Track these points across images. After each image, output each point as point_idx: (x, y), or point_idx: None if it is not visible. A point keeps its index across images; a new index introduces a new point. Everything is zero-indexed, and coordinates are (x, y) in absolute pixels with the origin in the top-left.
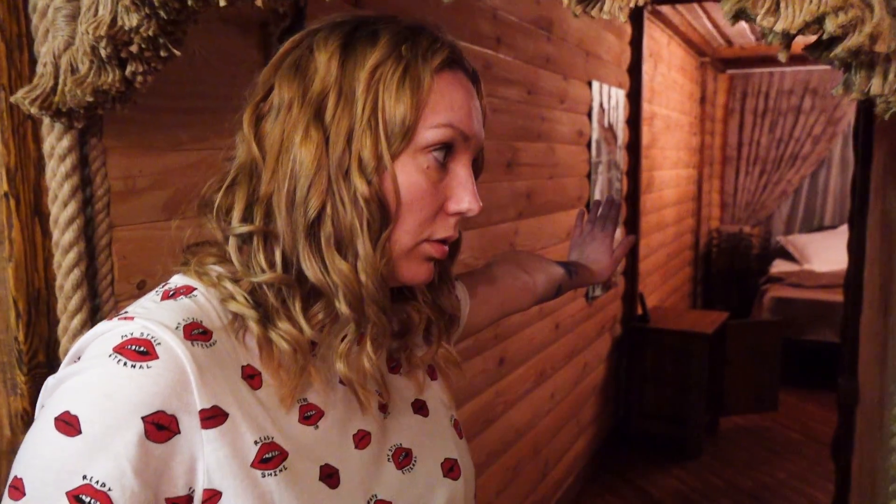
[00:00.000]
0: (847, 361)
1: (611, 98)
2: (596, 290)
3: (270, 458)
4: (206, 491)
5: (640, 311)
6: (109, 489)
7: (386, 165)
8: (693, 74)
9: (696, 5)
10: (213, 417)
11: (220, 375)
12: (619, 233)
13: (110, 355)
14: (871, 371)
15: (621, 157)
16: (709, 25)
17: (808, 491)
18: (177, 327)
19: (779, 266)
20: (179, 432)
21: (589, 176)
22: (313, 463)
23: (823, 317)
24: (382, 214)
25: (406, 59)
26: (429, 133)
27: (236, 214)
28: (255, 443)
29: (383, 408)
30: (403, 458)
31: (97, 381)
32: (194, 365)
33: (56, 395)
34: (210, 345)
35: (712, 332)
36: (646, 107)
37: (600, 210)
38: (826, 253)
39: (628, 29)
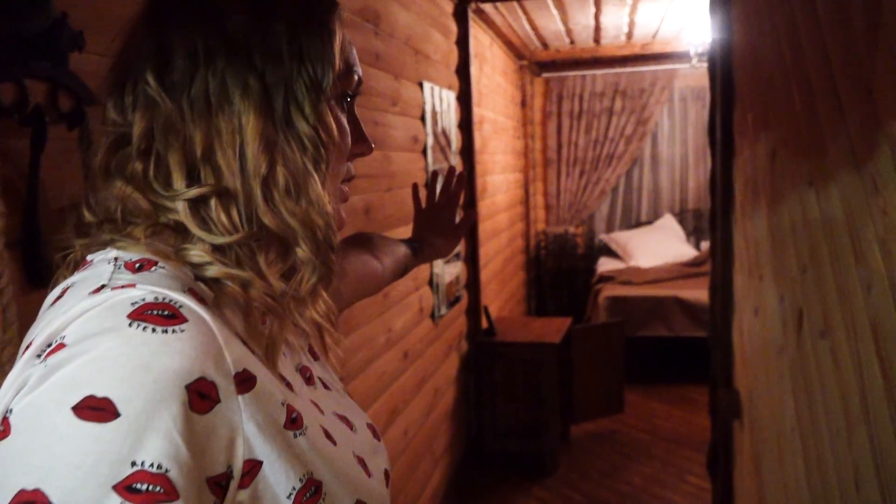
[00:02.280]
0: (721, 371)
1: (442, 101)
2: (441, 310)
3: (295, 418)
4: (246, 462)
5: (485, 324)
6: (167, 469)
7: (321, 109)
8: (513, 77)
9: (516, 5)
10: (245, 381)
11: (232, 339)
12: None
13: (130, 325)
14: (749, 377)
15: (457, 163)
16: (527, 27)
17: (666, 495)
18: (185, 291)
19: (605, 264)
20: (220, 400)
21: (427, 185)
22: (316, 422)
23: (654, 312)
24: (325, 156)
25: (312, 5)
26: (344, 78)
27: (177, 177)
28: (282, 404)
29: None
30: (346, 422)
31: (124, 354)
32: (217, 327)
33: (55, 385)
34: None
35: (560, 340)
36: (475, 110)
37: (442, 183)
38: (647, 248)
39: (454, 27)
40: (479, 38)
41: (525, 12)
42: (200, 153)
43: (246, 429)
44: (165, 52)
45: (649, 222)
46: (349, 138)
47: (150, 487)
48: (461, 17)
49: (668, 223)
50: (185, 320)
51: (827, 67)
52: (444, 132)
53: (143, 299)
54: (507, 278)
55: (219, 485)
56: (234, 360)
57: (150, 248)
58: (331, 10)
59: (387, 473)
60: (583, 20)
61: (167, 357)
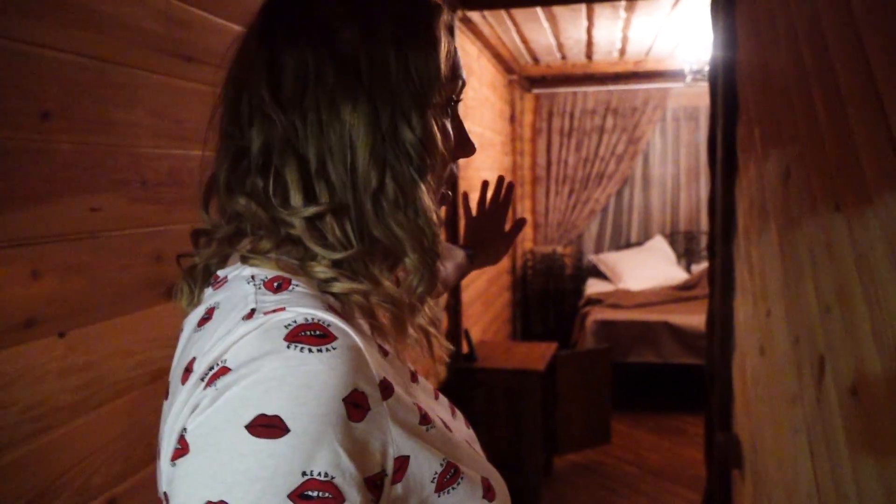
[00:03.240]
0: (719, 412)
1: None
2: None
3: (424, 415)
4: (396, 460)
5: (465, 349)
6: (332, 477)
7: (427, 120)
8: (502, 92)
9: (505, 17)
10: (387, 388)
11: (372, 350)
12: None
13: (288, 346)
14: (752, 423)
15: None
16: (517, 40)
17: None
18: (327, 309)
19: (593, 286)
20: (370, 408)
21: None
22: (436, 414)
23: (643, 337)
24: (431, 165)
25: (420, 15)
26: (449, 85)
27: (294, 194)
28: (414, 404)
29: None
30: (450, 409)
31: (287, 374)
32: (360, 340)
33: (226, 405)
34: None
35: (544, 367)
36: None
37: (492, 191)
38: (637, 270)
39: None
40: (467, 48)
41: (515, 24)
42: (315, 170)
43: (393, 430)
44: (277, 69)
45: (639, 243)
46: (452, 143)
47: (320, 494)
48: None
49: (659, 245)
50: (334, 338)
51: (863, 67)
52: None
53: (295, 321)
54: (491, 299)
55: (375, 483)
56: (376, 370)
57: (280, 263)
58: (436, 16)
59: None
60: (574, 34)
61: (325, 374)
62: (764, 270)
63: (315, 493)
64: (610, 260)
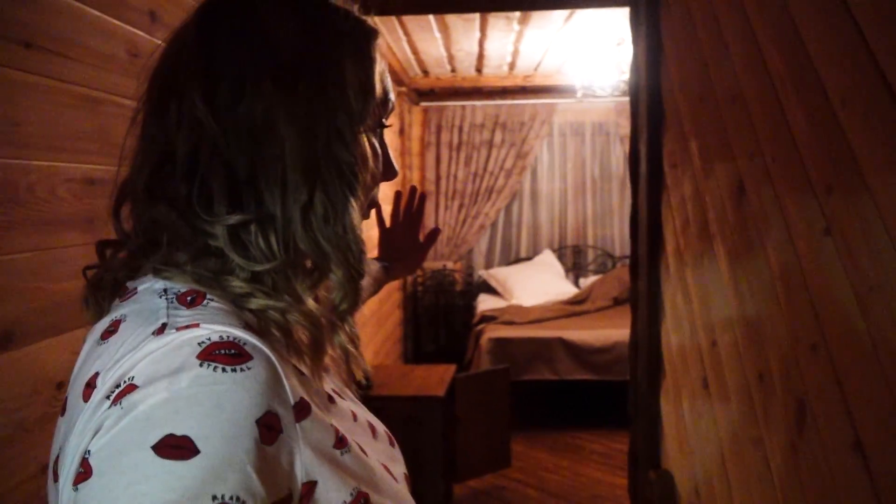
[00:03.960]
0: (645, 448)
1: None
2: None
3: (341, 437)
4: (304, 485)
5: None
6: (243, 501)
7: (360, 138)
8: None
9: (397, 26)
10: (302, 409)
11: (288, 369)
12: None
13: (200, 364)
14: (694, 463)
15: None
16: (408, 50)
17: None
18: (243, 327)
19: (485, 301)
20: (282, 430)
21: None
22: (352, 436)
23: (539, 354)
24: (361, 183)
25: (359, 36)
26: (381, 106)
27: (220, 203)
28: (331, 425)
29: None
30: (371, 429)
31: (199, 394)
32: (276, 359)
33: (133, 425)
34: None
35: (444, 392)
36: None
37: (405, 202)
38: (527, 284)
39: None
40: None
41: (407, 33)
42: (243, 179)
43: (303, 454)
44: (213, 75)
45: (529, 258)
46: (381, 165)
47: None
48: None
49: (548, 259)
50: (249, 357)
51: (864, 53)
52: None
53: (210, 339)
54: (383, 318)
55: None
56: (292, 391)
57: (195, 276)
58: (372, 38)
59: (406, 477)
60: (467, 46)
61: (238, 395)
62: (706, 296)
63: None
64: (500, 275)
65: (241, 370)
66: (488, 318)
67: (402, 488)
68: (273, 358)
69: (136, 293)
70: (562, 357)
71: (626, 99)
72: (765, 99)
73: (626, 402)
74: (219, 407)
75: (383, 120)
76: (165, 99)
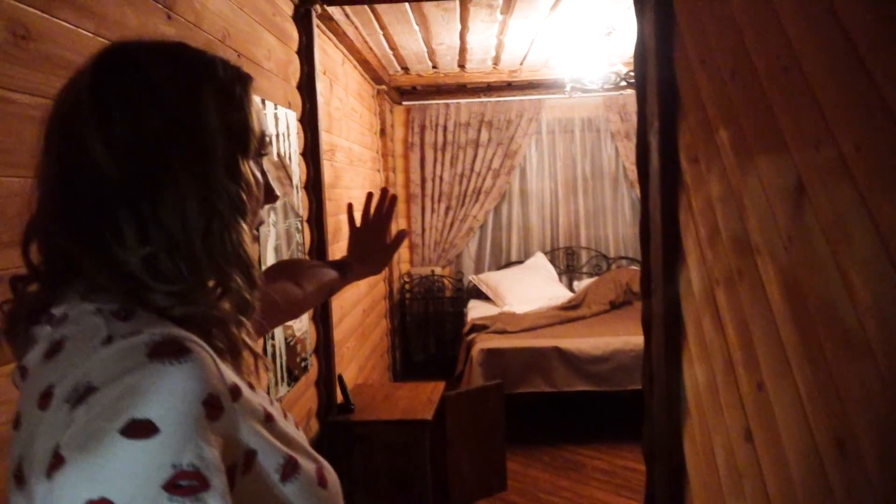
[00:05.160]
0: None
1: (280, 121)
2: (280, 389)
3: (268, 415)
4: (245, 453)
5: (340, 398)
6: (199, 468)
7: (245, 171)
8: (370, 103)
9: (372, 18)
10: (235, 390)
11: (220, 359)
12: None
13: (151, 361)
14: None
15: (299, 199)
16: (385, 45)
17: None
18: (177, 328)
19: (476, 308)
20: (223, 408)
21: (258, 228)
22: (279, 416)
23: (534, 365)
24: (250, 209)
25: (235, 82)
26: (261, 140)
27: (130, 237)
28: (259, 404)
29: None
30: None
31: (152, 385)
32: (210, 351)
33: (99, 416)
34: None
35: (433, 414)
36: (324, 136)
37: (376, 203)
38: (519, 290)
39: (295, 33)
40: (330, 52)
41: (383, 26)
42: (148, 215)
43: (243, 427)
44: (108, 123)
45: (520, 261)
46: (263, 191)
47: (190, 482)
48: (304, 23)
49: (540, 262)
50: (190, 351)
51: None
52: (282, 160)
53: (153, 340)
54: (367, 331)
55: (231, 474)
56: (226, 376)
57: (120, 296)
58: (248, 83)
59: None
60: (447, 39)
61: (186, 381)
62: (745, 325)
63: (185, 483)
64: (491, 280)
65: (185, 362)
66: (479, 328)
67: (317, 454)
68: (209, 349)
69: (67, 318)
70: (558, 367)
71: (616, 93)
72: (836, 65)
73: (642, 440)
74: (171, 393)
75: (262, 151)
76: (66, 141)
